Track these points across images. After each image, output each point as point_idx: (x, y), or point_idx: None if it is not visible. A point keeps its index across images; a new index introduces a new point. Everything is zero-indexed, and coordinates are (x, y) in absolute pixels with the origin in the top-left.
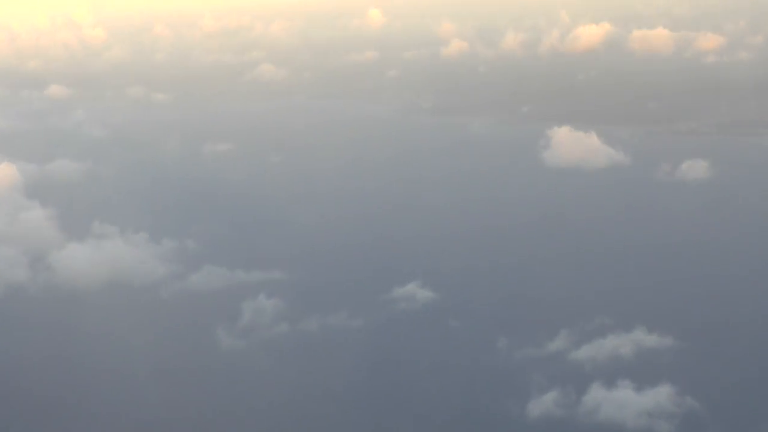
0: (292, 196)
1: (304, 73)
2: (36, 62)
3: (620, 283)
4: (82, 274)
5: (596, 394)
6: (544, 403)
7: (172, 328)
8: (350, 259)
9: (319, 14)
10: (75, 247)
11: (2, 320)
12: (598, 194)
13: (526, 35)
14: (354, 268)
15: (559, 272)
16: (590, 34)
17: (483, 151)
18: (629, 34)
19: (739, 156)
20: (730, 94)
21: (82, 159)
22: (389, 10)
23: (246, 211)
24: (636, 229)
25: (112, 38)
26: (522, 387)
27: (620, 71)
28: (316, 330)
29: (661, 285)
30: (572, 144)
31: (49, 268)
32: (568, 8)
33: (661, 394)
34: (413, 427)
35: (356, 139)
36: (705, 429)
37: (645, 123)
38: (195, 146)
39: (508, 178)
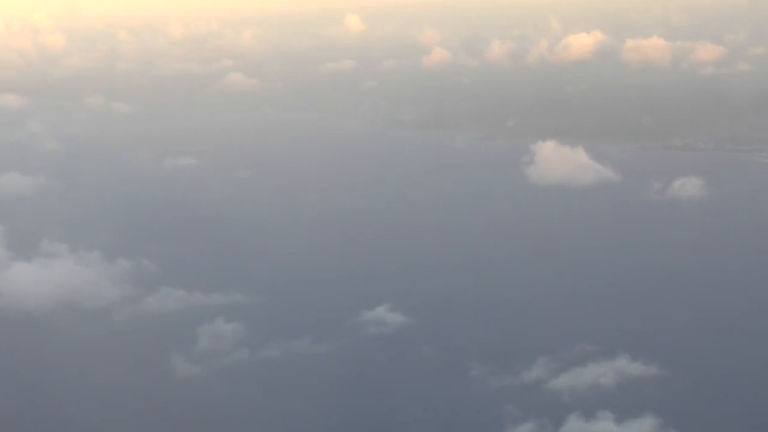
0: (257, 214)
1: (276, 84)
2: None
3: (604, 308)
4: (28, 295)
5: (574, 426)
6: None
7: (124, 355)
8: (317, 281)
9: (293, 21)
10: (21, 267)
11: None
12: (584, 214)
13: (513, 44)
14: (321, 290)
15: (540, 296)
16: (581, 43)
17: (464, 167)
18: (622, 43)
19: (736, 174)
20: (729, 108)
21: (34, 173)
22: (368, 16)
23: (208, 229)
24: (622, 251)
25: (71, 45)
26: (496, 418)
27: (612, 83)
28: (278, 356)
29: (647, 311)
30: (558, 160)
31: None
32: (559, 16)
33: (644, 426)
34: None
35: (330, 154)
36: None
37: (638, 138)
38: (156, 160)
39: (489, 197)
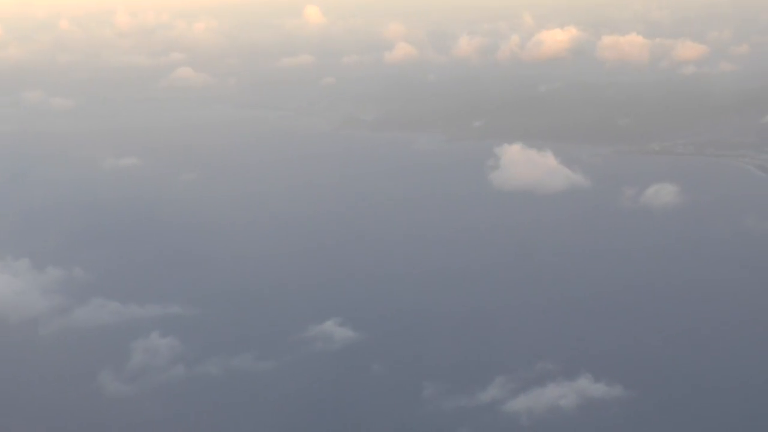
0: (202, 220)
1: (228, 79)
2: None
3: (567, 323)
4: None
5: None
6: None
7: (49, 371)
8: (262, 292)
9: (249, 12)
10: None
11: None
12: (550, 221)
13: (483, 40)
14: (266, 302)
15: (500, 309)
16: (555, 39)
17: (426, 171)
18: (598, 40)
19: (715, 180)
20: (710, 110)
21: None
22: (330, 8)
23: (147, 236)
24: (589, 262)
25: (9, 35)
26: None
27: (587, 82)
28: (217, 374)
29: (613, 326)
30: (525, 164)
31: None
32: (532, 10)
33: None
34: None
35: (284, 155)
36: None
37: (613, 141)
38: (96, 160)
39: (451, 203)
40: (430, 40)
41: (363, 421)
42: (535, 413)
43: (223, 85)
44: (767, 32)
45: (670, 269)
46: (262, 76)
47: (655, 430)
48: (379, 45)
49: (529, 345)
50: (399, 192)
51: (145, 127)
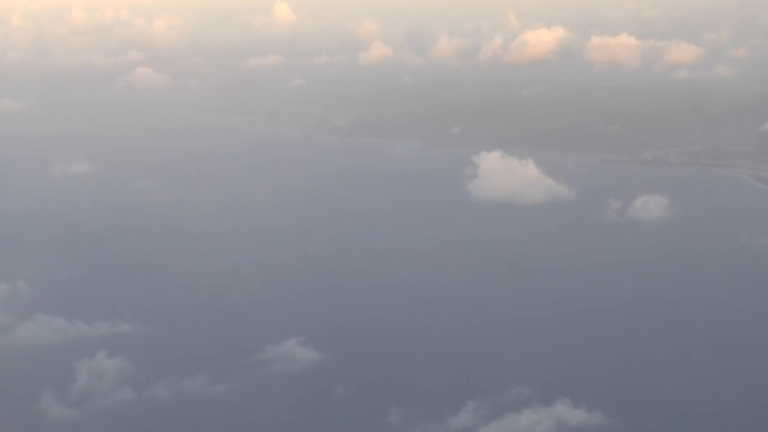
0: (156, 231)
1: (190, 81)
2: None
3: (546, 344)
4: None
5: None
6: None
7: None
8: (218, 308)
9: (214, 9)
10: None
11: None
12: (529, 235)
13: (464, 40)
14: (222, 319)
15: (476, 329)
16: (540, 40)
17: (401, 180)
18: (587, 41)
19: (708, 192)
20: (705, 116)
21: None
22: (300, 5)
23: (97, 248)
24: (571, 278)
25: None
26: None
27: (574, 86)
28: (167, 398)
29: (594, 348)
30: (504, 173)
31: None
32: (517, 9)
33: None
34: None
35: (249, 163)
36: None
37: (601, 150)
38: (45, 166)
39: (425, 214)
40: (408, 40)
41: None
42: None
43: (185, 86)
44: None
45: (657, 287)
46: (227, 78)
47: None
48: (353, 45)
49: (504, 367)
50: (371, 203)
51: (99, 131)
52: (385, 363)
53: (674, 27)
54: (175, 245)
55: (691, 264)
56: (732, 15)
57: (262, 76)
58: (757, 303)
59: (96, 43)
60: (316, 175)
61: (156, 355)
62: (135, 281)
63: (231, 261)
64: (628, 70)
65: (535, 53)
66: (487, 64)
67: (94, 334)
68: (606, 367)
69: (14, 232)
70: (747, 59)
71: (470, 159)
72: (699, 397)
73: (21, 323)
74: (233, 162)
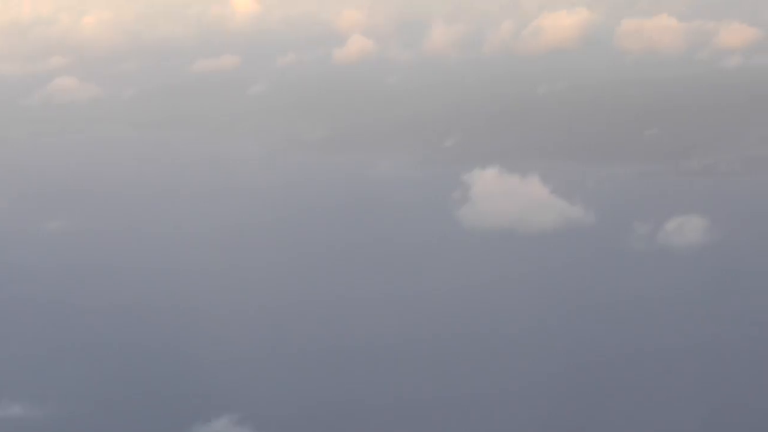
0: (63, 285)
1: (125, 90)
2: None
3: (541, 414)
4: None
5: None
6: None
7: None
8: (134, 381)
9: (155, 1)
10: None
11: None
12: (533, 275)
13: (465, 28)
14: (138, 395)
15: (462, 398)
16: (559, 24)
17: (381, 209)
18: (617, 25)
19: (758, 209)
20: (764, 114)
21: None
22: None
23: None
24: (574, 325)
25: None
26: None
27: (602, 80)
28: None
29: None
30: (503, 195)
31: None
32: None
33: None
34: None
35: (197, 190)
36: None
37: (635, 159)
38: None
39: (403, 252)
40: (395, 31)
41: None
42: None
43: (118, 97)
44: None
45: (683, 330)
46: (172, 85)
47: None
48: (328, 39)
49: None
50: (341, 240)
51: (5, 158)
52: None
53: (726, 3)
54: (82, 302)
55: (729, 302)
56: None
57: (216, 81)
58: None
59: (10, 47)
60: (279, 204)
61: None
62: (29, 350)
63: (149, 319)
64: (669, 59)
65: (553, 41)
66: (494, 56)
67: None
68: None
69: None
70: None
71: (461, 178)
72: None
73: None
74: (177, 190)
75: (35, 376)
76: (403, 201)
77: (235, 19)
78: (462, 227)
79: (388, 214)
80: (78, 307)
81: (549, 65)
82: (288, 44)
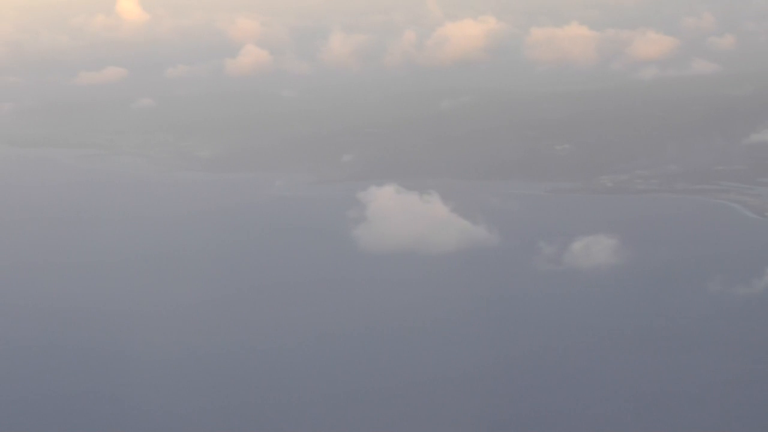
0: None
1: (3, 106)
2: None
3: None
4: None
5: None
6: None
7: None
8: None
9: (38, 10)
10: None
11: None
12: (434, 298)
13: (365, 38)
14: None
15: None
16: (465, 34)
17: (273, 230)
18: (526, 34)
19: (676, 226)
20: (680, 128)
21: None
22: (156, 1)
23: None
24: (492, 354)
25: None
26: None
27: (510, 93)
28: None
29: None
30: (400, 214)
31: None
32: None
33: None
34: None
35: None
36: None
37: (546, 176)
38: None
39: (296, 277)
40: (292, 41)
41: None
42: None
43: None
44: (762, 16)
45: (589, 355)
46: (53, 99)
47: None
48: (220, 49)
49: None
50: (237, 261)
51: None
52: None
53: (641, 11)
54: None
55: (633, 325)
56: None
57: (100, 95)
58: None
59: None
60: (170, 226)
61: None
62: None
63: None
64: (582, 70)
65: (458, 52)
66: (395, 68)
67: None
68: None
69: None
70: (734, 51)
71: (356, 197)
72: None
73: None
74: (58, 212)
75: None
76: (297, 222)
77: (121, 28)
78: (358, 249)
79: (282, 236)
80: None
81: (454, 77)
82: (178, 55)
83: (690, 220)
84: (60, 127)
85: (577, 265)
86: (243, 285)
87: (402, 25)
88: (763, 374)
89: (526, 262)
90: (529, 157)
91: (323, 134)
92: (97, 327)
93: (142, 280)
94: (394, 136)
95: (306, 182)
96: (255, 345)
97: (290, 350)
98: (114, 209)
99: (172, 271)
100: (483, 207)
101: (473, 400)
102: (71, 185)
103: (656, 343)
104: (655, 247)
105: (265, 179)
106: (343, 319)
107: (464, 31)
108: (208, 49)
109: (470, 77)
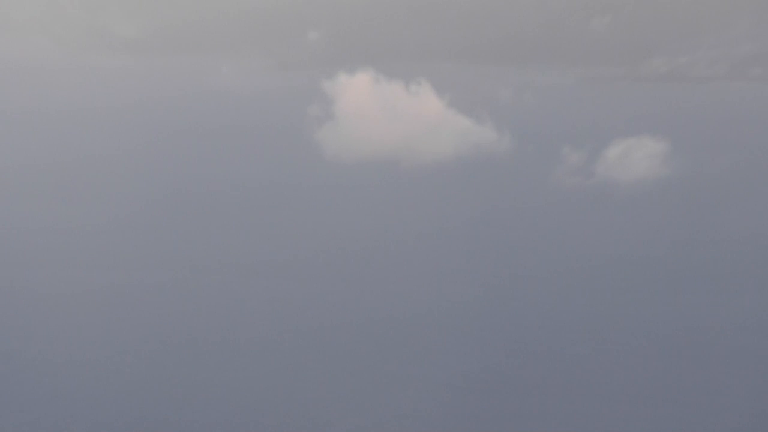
0: None
1: None
2: None
3: None
4: None
5: None
6: None
7: None
8: None
9: None
10: None
11: None
12: (423, 224)
13: None
14: None
15: None
16: None
17: (210, 134)
18: None
19: (747, 127)
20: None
21: None
22: None
23: None
24: (502, 294)
25: None
26: None
27: None
28: None
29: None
30: (381, 111)
31: None
32: None
33: None
34: None
35: None
36: None
37: (578, 59)
38: None
39: (247, 197)
40: None
41: None
42: None
43: None
44: None
45: (627, 295)
46: None
47: None
48: None
49: None
50: (176, 174)
51: None
52: None
53: None
54: None
55: (684, 257)
56: None
57: None
58: None
59: None
60: (75, 130)
61: None
62: None
63: None
64: None
65: None
66: None
67: None
68: None
69: None
70: None
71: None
72: None
73: None
74: None
75: None
76: (247, 122)
77: None
78: (323, 157)
79: (226, 141)
80: None
81: None
82: None
83: (757, 116)
84: None
85: (613, 178)
86: (172, 203)
87: None
88: None
89: (545, 173)
90: (553, 34)
91: (282, 4)
92: None
93: (40, 197)
94: (372, 5)
95: (259, 68)
96: (189, 282)
97: (235, 285)
98: (8, 105)
99: (79, 186)
100: (490, 101)
101: (464, 344)
102: None
103: (713, 282)
104: (718, 155)
105: (206, 64)
106: (304, 250)
107: None
108: None
109: None
